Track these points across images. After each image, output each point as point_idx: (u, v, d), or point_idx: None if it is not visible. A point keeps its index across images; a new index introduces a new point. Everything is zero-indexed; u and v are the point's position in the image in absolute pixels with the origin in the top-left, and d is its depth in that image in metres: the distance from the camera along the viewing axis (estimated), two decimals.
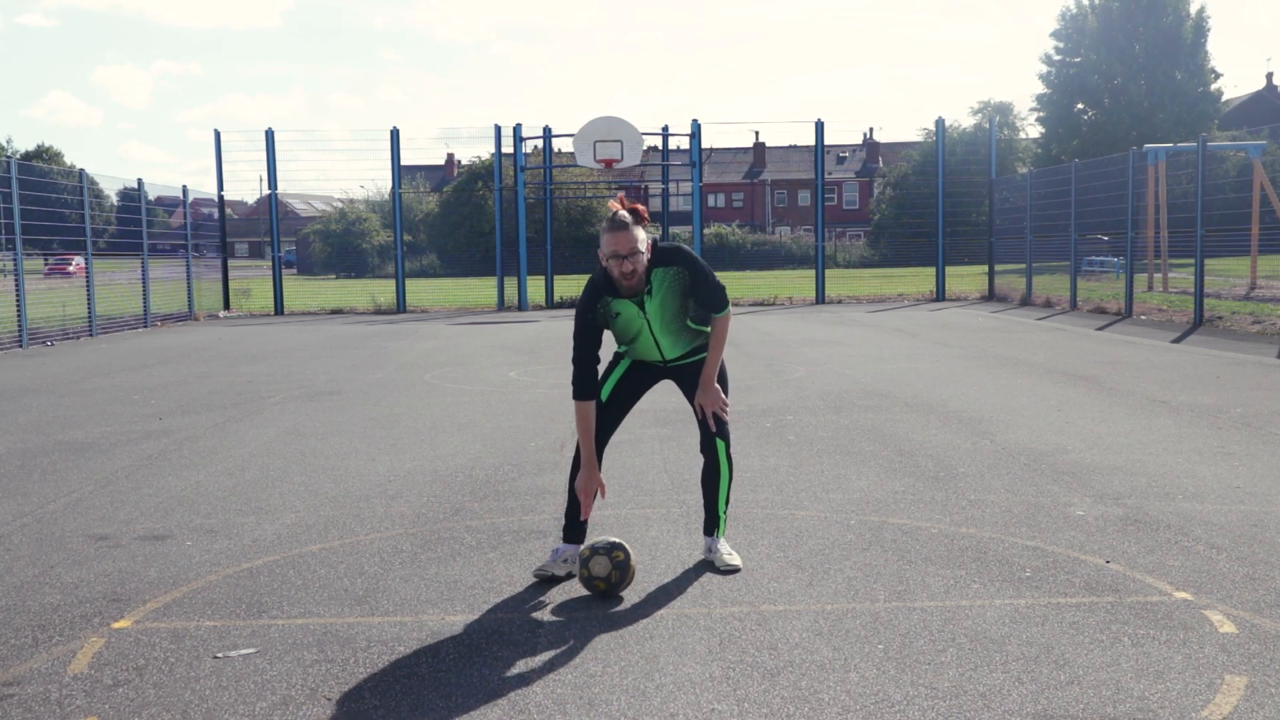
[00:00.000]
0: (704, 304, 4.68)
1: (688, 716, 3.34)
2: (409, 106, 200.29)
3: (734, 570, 4.76)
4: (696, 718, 3.33)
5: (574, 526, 4.80)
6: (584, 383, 4.63)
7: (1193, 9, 48.24)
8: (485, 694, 3.54)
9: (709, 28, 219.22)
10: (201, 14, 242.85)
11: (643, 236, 4.52)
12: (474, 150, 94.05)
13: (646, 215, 4.57)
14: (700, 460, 4.92)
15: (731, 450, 4.86)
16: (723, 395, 4.74)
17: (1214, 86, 48.70)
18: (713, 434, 4.78)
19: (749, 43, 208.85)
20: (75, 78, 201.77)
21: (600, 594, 4.46)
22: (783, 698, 3.46)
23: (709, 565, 4.84)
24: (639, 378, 4.88)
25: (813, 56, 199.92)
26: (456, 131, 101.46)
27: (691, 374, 4.84)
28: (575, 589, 4.56)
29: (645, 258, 4.51)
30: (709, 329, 4.77)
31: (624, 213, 4.50)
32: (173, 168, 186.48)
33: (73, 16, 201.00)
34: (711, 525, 4.92)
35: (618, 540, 4.54)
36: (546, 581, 4.67)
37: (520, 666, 3.76)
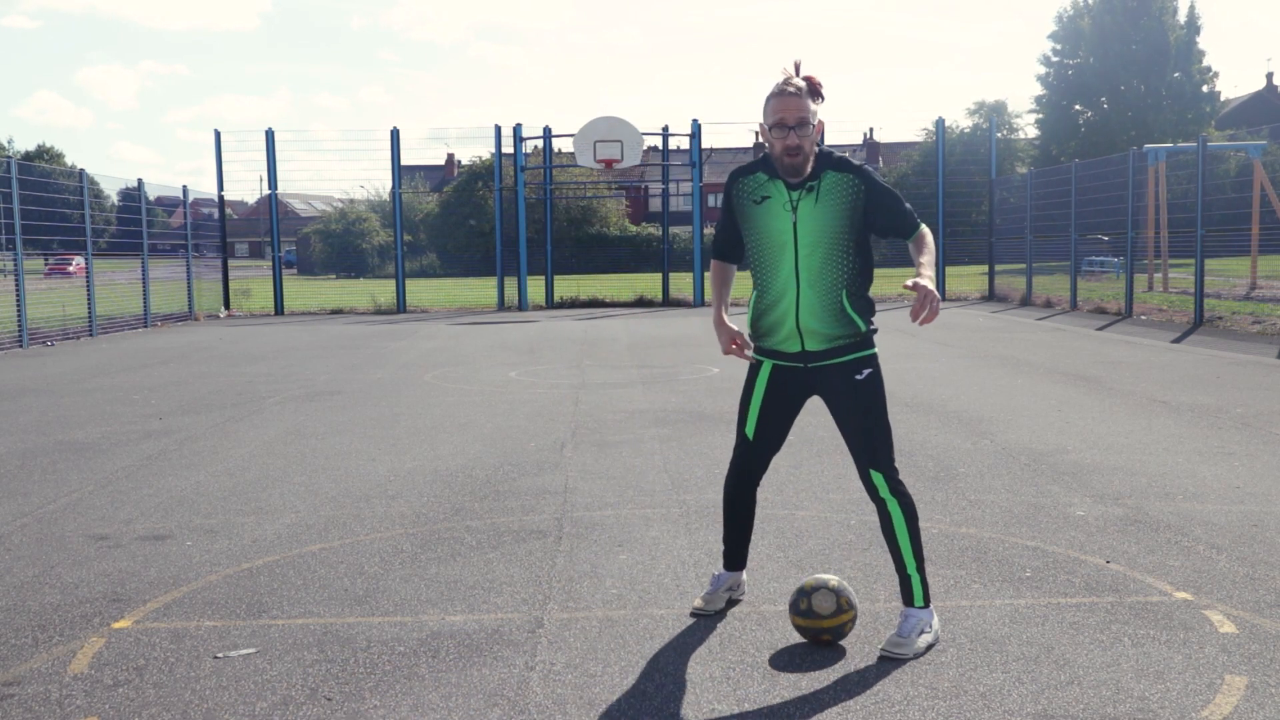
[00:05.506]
0: (891, 224, 3.91)
1: (688, 716, 3.34)
2: (395, 107, 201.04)
3: (901, 659, 3.70)
4: (696, 718, 3.33)
5: (735, 552, 4.24)
6: (719, 246, 4.16)
7: (1181, 12, 48.10)
8: (485, 694, 3.53)
9: (707, 28, 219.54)
10: (178, 16, 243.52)
11: (816, 110, 3.79)
12: (465, 149, 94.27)
13: (822, 89, 3.83)
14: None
15: (899, 481, 3.92)
16: (937, 296, 3.64)
17: (1207, 88, 48.55)
18: (865, 465, 3.91)
19: (748, 43, 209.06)
20: (61, 78, 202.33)
21: (821, 633, 3.82)
22: (783, 698, 3.46)
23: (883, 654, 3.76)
24: (781, 396, 4.01)
25: (813, 56, 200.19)
26: (445, 131, 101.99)
27: (840, 386, 3.90)
28: (575, 589, 4.56)
29: (815, 140, 3.82)
30: (860, 319, 3.86)
31: (797, 79, 3.79)
32: (164, 168, 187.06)
33: (53, 18, 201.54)
34: (905, 593, 3.86)
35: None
36: (703, 617, 4.16)
37: (520, 666, 3.75)
